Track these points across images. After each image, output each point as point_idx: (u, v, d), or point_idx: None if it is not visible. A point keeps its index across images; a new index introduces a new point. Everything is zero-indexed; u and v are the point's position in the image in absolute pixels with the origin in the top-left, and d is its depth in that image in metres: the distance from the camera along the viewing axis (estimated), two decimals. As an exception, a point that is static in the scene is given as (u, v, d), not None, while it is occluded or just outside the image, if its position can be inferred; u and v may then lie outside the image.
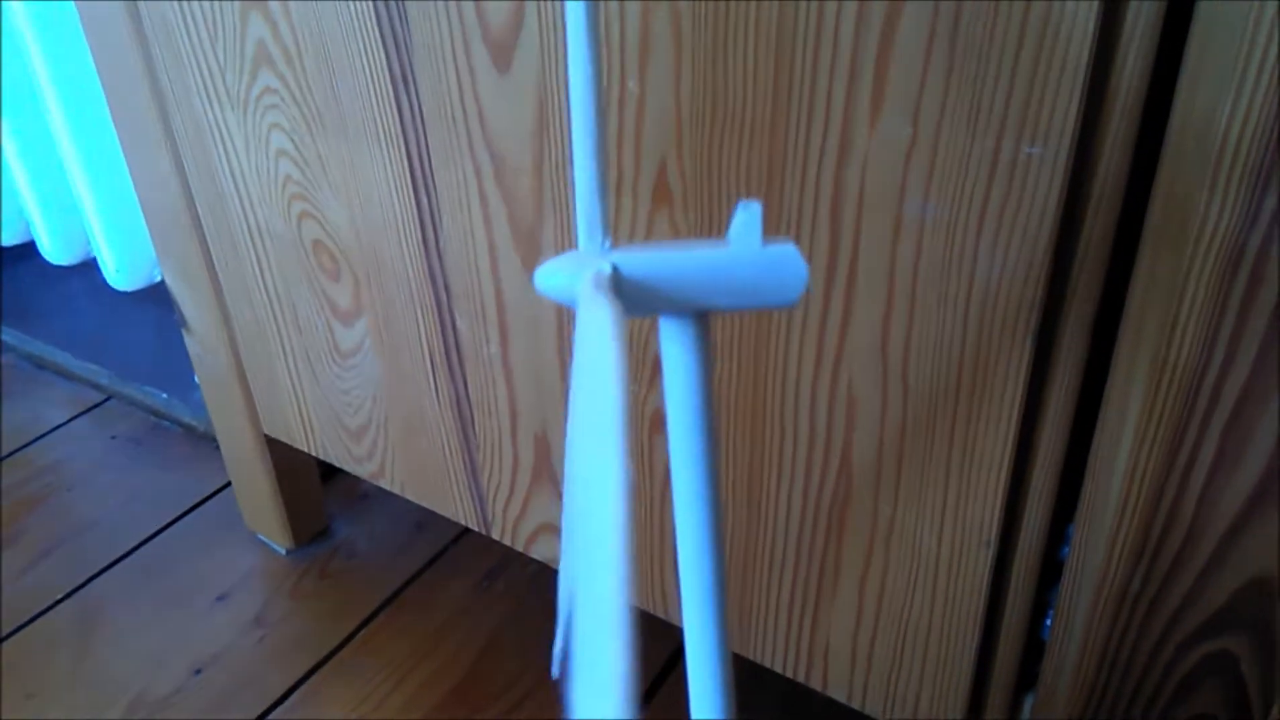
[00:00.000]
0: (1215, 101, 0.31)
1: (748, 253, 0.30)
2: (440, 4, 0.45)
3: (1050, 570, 0.44)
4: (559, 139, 0.45)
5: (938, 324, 0.39)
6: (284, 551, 0.82)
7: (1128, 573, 0.40)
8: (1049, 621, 0.45)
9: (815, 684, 0.53)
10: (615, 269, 0.29)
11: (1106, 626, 0.42)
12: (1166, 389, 0.36)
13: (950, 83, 0.34)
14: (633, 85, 0.42)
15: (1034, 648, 0.46)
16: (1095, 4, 0.31)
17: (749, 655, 0.55)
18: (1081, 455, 0.39)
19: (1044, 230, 0.35)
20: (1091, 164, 0.34)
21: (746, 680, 0.63)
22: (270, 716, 0.68)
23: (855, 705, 0.52)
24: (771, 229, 0.41)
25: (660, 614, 0.57)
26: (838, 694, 0.52)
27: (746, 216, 0.29)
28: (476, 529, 0.64)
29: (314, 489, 0.81)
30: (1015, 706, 0.48)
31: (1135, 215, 0.34)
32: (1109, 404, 0.37)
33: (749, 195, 0.41)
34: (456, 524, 0.80)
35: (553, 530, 0.60)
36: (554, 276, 0.30)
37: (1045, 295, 0.36)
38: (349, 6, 0.48)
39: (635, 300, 0.29)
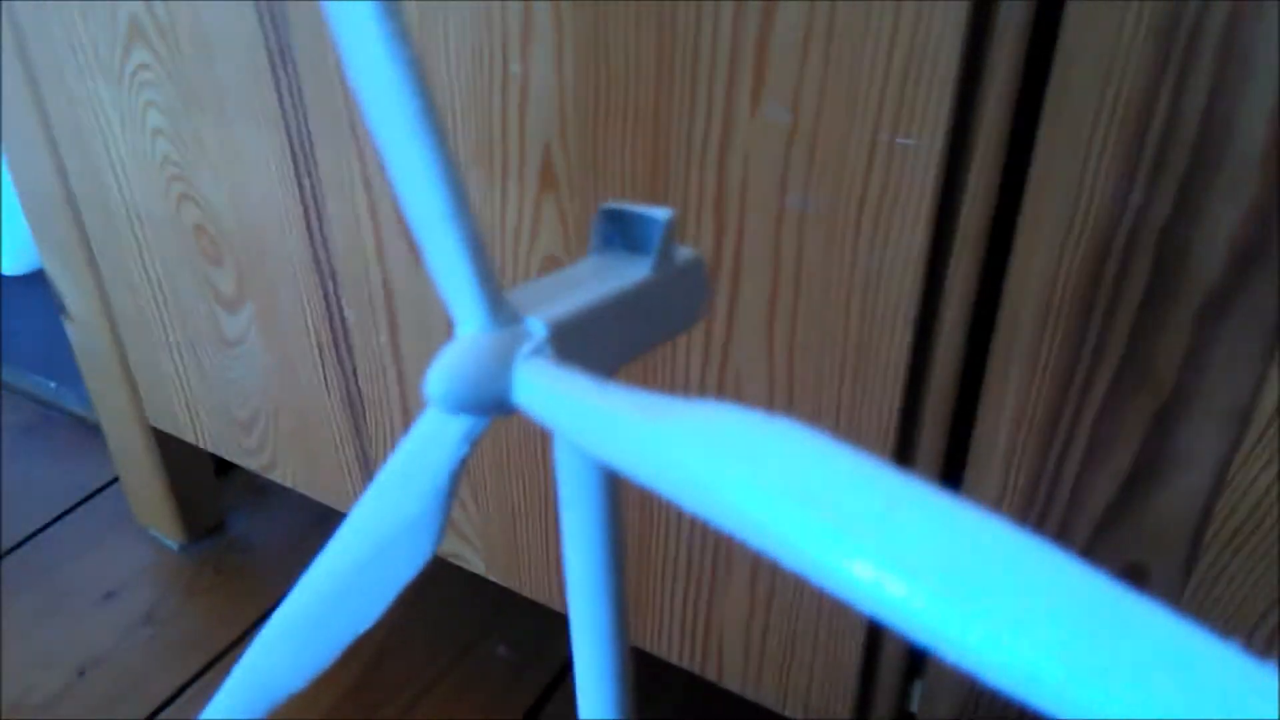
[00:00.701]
0: (1085, 96, 0.31)
1: (668, 275, 0.24)
2: (317, -21, 0.43)
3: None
4: (444, 123, 0.44)
5: (821, 313, 0.39)
6: (176, 547, 0.79)
7: (1007, 562, 0.40)
8: (936, 610, 0.45)
9: (711, 675, 0.53)
10: (549, 337, 0.22)
11: (989, 615, 0.42)
12: (1041, 379, 0.36)
13: (828, 73, 0.34)
14: (515, 68, 0.40)
15: (922, 636, 0.47)
16: (966, -7, 0.30)
17: (645, 647, 0.54)
18: (963, 445, 0.39)
19: (921, 220, 0.35)
20: (967, 155, 0.33)
21: (645, 672, 0.62)
22: (158, 718, 0.66)
23: (750, 696, 0.52)
24: (657, 217, 0.40)
25: (557, 607, 0.57)
26: (732, 685, 0.52)
27: (659, 227, 0.24)
28: (371, 522, 0.62)
29: (207, 481, 0.78)
30: (904, 694, 0.48)
31: (1012, 206, 0.34)
32: (987, 393, 0.37)
33: (635, 181, 0.40)
34: (358, 516, 0.78)
35: (451, 527, 0.59)
36: (462, 378, 0.21)
37: (924, 285, 0.36)
38: (223, -21, 0.46)
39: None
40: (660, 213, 0.25)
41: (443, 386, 0.22)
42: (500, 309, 0.22)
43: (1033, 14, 0.31)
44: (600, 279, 0.24)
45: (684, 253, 0.26)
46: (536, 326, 0.22)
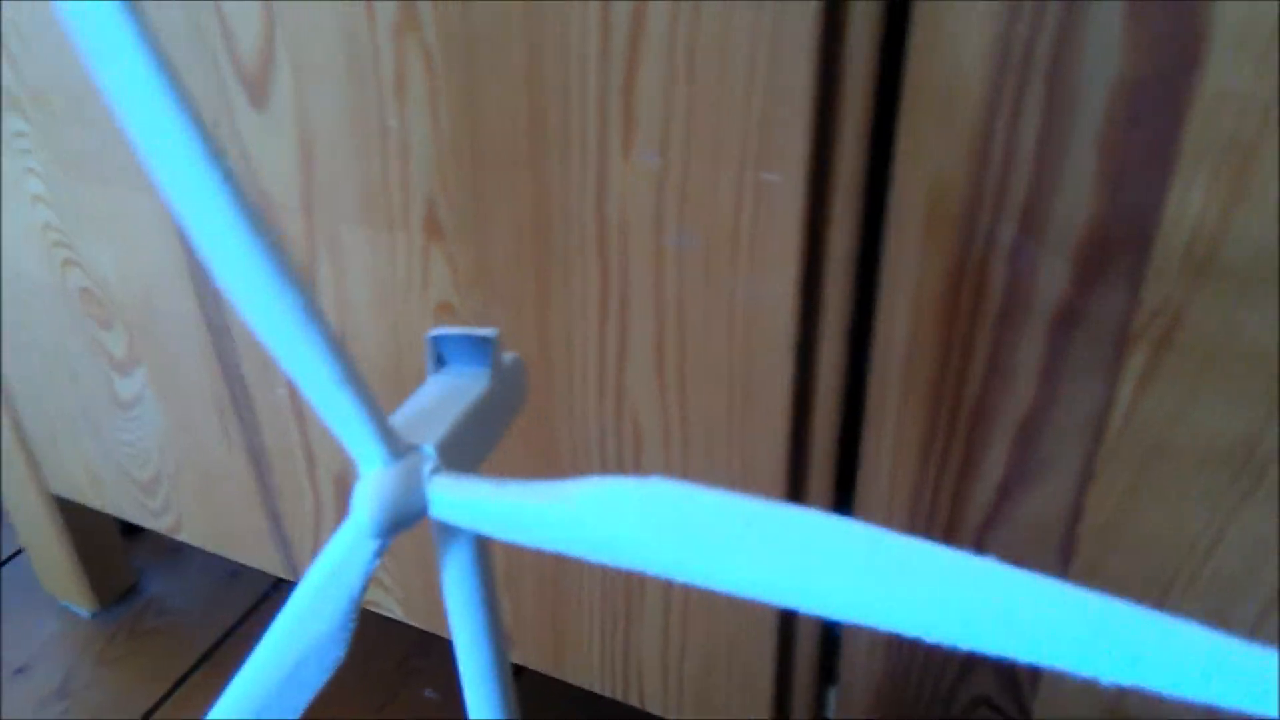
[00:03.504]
0: (930, 132, 0.33)
1: (502, 380, 0.29)
2: (188, 33, 0.43)
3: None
4: (327, 179, 0.44)
5: (706, 345, 0.40)
6: (88, 614, 0.77)
7: (902, 570, 0.42)
8: (843, 619, 0.46)
9: (634, 701, 0.53)
10: (440, 456, 0.26)
11: (891, 621, 0.44)
12: (915, 396, 0.37)
13: (692, 117, 0.35)
14: (393, 122, 0.41)
15: (831, 644, 0.48)
16: (813, 33, 0.32)
17: (568, 679, 0.55)
18: (853, 463, 0.41)
19: (791, 251, 0.36)
20: (829, 187, 0.35)
21: (575, 705, 0.63)
22: (77, 794, 0.64)
23: (673, 718, 0.53)
24: (542, 261, 0.41)
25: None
26: (654, 708, 0.53)
27: (487, 347, 0.29)
28: (286, 578, 0.62)
29: (115, 545, 0.77)
30: (820, 701, 0.50)
31: (879, 231, 0.36)
32: (870, 413, 0.39)
33: (519, 227, 0.41)
34: (276, 568, 0.77)
35: (364, 571, 0.58)
36: (388, 507, 0.25)
37: (802, 313, 0.38)
38: (92, 45, 0.46)
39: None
40: (489, 332, 0.29)
41: (371, 517, 0.25)
42: (392, 440, 0.25)
43: (878, 59, 0.33)
44: (454, 396, 0.28)
45: (508, 357, 0.31)
46: (429, 450, 0.26)
